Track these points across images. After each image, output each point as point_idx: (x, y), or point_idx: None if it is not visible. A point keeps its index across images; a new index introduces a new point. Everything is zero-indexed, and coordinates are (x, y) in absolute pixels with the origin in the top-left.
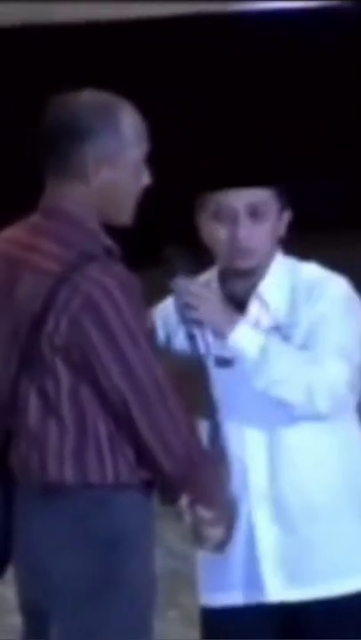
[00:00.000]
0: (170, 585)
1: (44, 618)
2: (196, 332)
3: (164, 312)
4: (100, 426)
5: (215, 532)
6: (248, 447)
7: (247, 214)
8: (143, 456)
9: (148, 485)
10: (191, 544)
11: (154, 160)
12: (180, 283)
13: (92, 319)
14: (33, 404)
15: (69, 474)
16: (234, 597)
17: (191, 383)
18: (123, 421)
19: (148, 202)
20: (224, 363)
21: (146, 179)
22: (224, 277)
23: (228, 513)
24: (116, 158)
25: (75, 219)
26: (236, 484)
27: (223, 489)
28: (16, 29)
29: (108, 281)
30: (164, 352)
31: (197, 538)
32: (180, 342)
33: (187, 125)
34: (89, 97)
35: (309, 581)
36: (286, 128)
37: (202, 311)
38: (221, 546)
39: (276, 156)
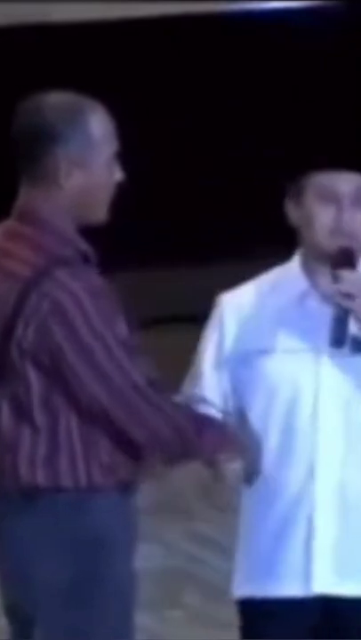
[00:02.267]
0: (172, 584)
1: (28, 620)
2: (348, 320)
3: (238, 301)
4: (73, 430)
5: (231, 467)
6: (321, 438)
7: (352, 199)
8: (139, 449)
9: (125, 486)
10: (194, 543)
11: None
12: (345, 273)
13: (60, 325)
14: (5, 409)
15: (41, 478)
16: (279, 589)
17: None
18: (97, 424)
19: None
20: (358, 348)
21: (118, 175)
22: (309, 267)
23: (245, 451)
24: (88, 160)
25: (49, 223)
26: (301, 475)
27: (231, 440)
28: (13, 29)
29: (77, 286)
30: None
31: (218, 478)
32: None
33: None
34: (56, 99)
35: (357, 576)
36: None
37: (359, 302)
38: (249, 480)
39: None
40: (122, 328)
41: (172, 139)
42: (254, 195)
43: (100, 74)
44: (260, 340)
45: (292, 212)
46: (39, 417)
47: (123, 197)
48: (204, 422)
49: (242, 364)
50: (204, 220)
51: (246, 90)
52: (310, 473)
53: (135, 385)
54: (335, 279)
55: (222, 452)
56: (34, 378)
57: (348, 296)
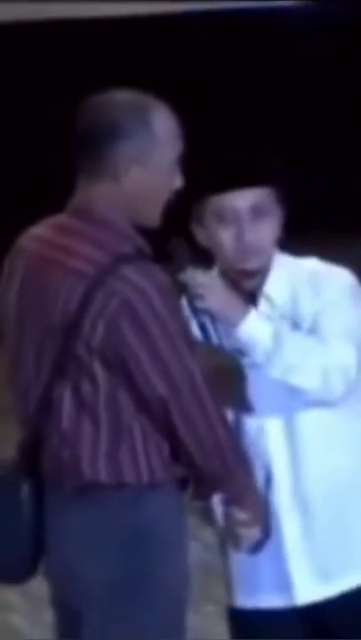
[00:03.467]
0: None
1: (77, 616)
2: (207, 322)
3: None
4: (135, 426)
5: (250, 533)
6: (270, 441)
7: (251, 215)
8: (179, 453)
9: (182, 483)
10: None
11: None
12: (188, 274)
13: (130, 322)
14: (67, 405)
15: (103, 474)
16: (264, 600)
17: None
18: (159, 420)
19: None
20: (240, 352)
21: (178, 181)
22: (225, 279)
23: (262, 514)
24: (148, 158)
25: (107, 220)
26: (260, 480)
27: (257, 490)
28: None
29: (144, 282)
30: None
31: (232, 538)
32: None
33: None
34: (121, 96)
35: (338, 574)
36: (281, 125)
37: (210, 301)
38: (256, 547)
39: (273, 155)
40: (185, 324)
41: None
42: None
43: (99, 73)
44: None
45: (199, 234)
46: (103, 413)
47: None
48: (244, 456)
49: None
50: None
51: (246, 89)
52: (267, 479)
53: (193, 379)
54: (180, 284)
55: (248, 497)
56: (101, 375)
57: (197, 297)
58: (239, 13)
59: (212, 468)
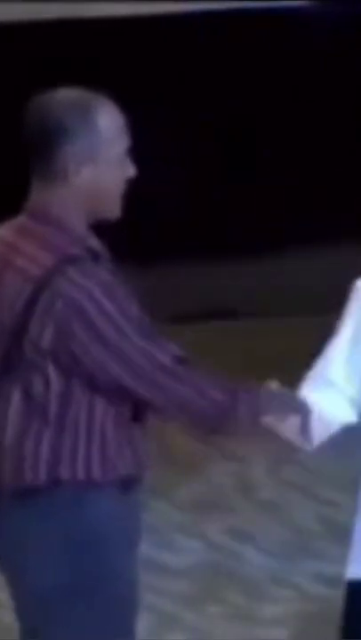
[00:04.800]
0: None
1: (32, 621)
2: None
3: None
4: (81, 425)
5: (289, 429)
6: None
7: None
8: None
9: (126, 483)
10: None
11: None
12: None
13: (80, 323)
14: (15, 402)
15: (43, 474)
16: None
17: None
18: (109, 417)
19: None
20: None
21: (130, 171)
22: None
23: (291, 409)
24: (97, 156)
25: (59, 221)
26: None
27: (274, 397)
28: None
29: (88, 283)
30: None
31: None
32: None
33: None
34: (64, 96)
35: None
36: (281, 125)
37: None
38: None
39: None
40: (137, 315)
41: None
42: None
43: (99, 72)
44: None
45: None
46: (52, 412)
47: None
48: (238, 392)
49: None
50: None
51: (246, 89)
52: None
53: (161, 365)
54: None
55: (260, 419)
56: (54, 375)
57: None
58: (239, 13)
59: (213, 422)
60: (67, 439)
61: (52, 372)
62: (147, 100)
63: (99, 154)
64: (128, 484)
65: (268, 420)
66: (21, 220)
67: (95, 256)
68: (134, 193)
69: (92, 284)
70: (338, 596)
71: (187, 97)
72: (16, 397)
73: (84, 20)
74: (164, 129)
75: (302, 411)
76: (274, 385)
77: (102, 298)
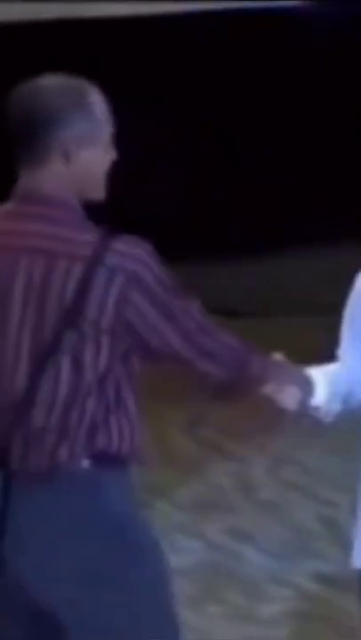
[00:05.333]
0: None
1: (54, 617)
2: None
3: None
4: (112, 397)
5: (288, 398)
6: None
7: None
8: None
9: (130, 460)
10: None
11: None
12: None
13: (137, 290)
14: (64, 378)
15: (80, 446)
16: None
17: None
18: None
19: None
20: None
21: (113, 154)
22: None
23: (295, 380)
24: (93, 138)
25: (63, 201)
26: None
27: (285, 365)
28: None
29: (139, 252)
30: None
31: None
32: None
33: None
34: (57, 81)
35: None
36: (281, 125)
37: None
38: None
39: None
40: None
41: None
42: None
43: (99, 72)
44: None
45: None
46: (95, 381)
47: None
48: (253, 350)
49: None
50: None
51: (246, 88)
52: None
53: (199, 323)
54: None
55: (271, 373)
56: (105, 346)
57: None
58: (239, 13)
59: (235, 376)
60: (102, 412)
61: (104, 343)
62: (147, 99)
63: (95, 137)
64: (129, 462)
65: (269, 387)
66: (11, 206)
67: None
68: (135, 193)
69: (140, 251)
70: (338, 596)
71: (187, 97)
72: (66, 369)
73: (84, 20)
74: (164, 129)
75: (305, 383)
76: (278, 356)
77: (152, 263)
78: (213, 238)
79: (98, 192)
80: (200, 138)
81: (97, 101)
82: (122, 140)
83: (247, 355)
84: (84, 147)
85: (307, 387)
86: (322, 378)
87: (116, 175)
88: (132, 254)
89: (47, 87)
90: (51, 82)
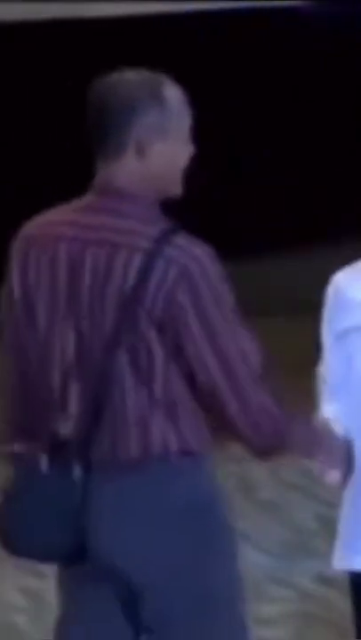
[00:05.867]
0: None
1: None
2: None
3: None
4: (184, 400)
5: (331, 477)
6: None
7: None
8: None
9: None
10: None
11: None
12: None
13: (186, 290)
14: (127, 377)
15: (173, 443)
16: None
17: None
18: (203, 392)
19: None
20: None
21: (191, 149)
22: None
23: (339, 457)
24: (166, 132)
25: (135, 195)
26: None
27: (328, 436)
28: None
29: (197, 250)
30: None
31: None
32: None
33: None
34: (132, 75)
35: None
36: (281, 125)
37: None
38: (341, 486)
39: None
40: (232, 296)
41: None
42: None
43: (99, 72)
44: (350, 319)
45: None
46: (158, 385)
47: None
48: (296, 417)
49: (340, 340)
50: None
51: (246, 88)
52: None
53: (240, 348)
54: None
55: (312, 451)
56: (157, 345)
57: None
58: (240, 13)
59: (266, 443)
60: (180, 412)
61: (155, 342)
62: None
63: (169, 130)
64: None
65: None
66: (89, 199)
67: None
68: None
69: (200, 251)
70: (338, 596)
71: (187, 97)
72: (127, 370)
73: (84, 20)
74: None
75: (347, 456)
76: (322, 421)
77: (210, 267)
78: (213, 238)
79: (173, 189)
80: (200, 138)
81: (172, 95)
82: None
83: (288, 425)
84: (157, 140)
85: (350, 459)
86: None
87: None
88: (191, 251)
89: (121, 80)
90: (125, 75)
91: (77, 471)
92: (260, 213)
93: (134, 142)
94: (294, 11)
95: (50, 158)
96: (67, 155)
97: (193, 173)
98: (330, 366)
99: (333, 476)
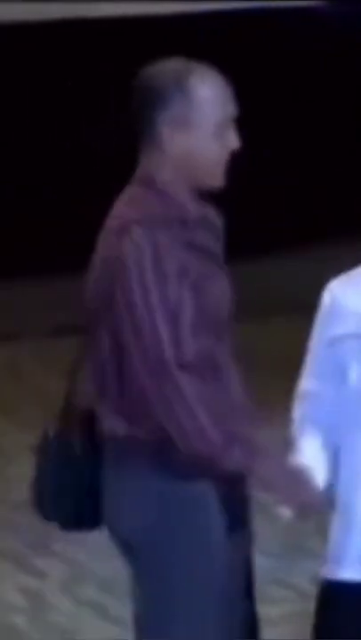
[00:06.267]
0: None
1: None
2: None
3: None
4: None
5: (283, 512)
6: None
7: None
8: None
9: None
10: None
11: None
12: None
13: (117, 275)
14: (109, 355)
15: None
16: (350, 573)
17: None
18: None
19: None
20: None
21: (233, 142)
22: None
23: (296, 496)
24: (189, 122)
25: (160, 186)
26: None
27: (280, 471)
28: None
29: (143, 243)
30: None
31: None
32: None
33: None
34: (164, 65)
35: None
36: (284, 126)
37: None
38: (300, 518)
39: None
40: (176, 296)
41: None
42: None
43: (99, 72)
44: (344, 326)
45: None
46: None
47: None
48: (237, 437)
49: (332, 348)
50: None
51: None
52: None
53: (162, 357)
54: None
55: (251, 475)
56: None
57: None
58: (240, 14)
59: (196, 451)
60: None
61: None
62: None
63: (192, 121)
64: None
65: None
66: (130, 188)
67: (186, 223)
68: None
69: (146, 244)
70: None
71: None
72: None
73: (85, 20)
74: None
75: (300, 482)
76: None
77: (147, 259)
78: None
79: (209, 180)
80: None
81: (199, 85)
82: (121, 139)
83: (225, 447)
84: (180, 131)
85: (304, 484)
86: (319, 454)
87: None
88: (136, 240)
89: (156, 70)
90: (160, 65)
91: (78, 448)
92: (260, 213)
93: (157, 134)
94: (308, 11)
95: (50, 158)
96: (67, 155)
97: None
98: (315, 373)
99: (287, 512)
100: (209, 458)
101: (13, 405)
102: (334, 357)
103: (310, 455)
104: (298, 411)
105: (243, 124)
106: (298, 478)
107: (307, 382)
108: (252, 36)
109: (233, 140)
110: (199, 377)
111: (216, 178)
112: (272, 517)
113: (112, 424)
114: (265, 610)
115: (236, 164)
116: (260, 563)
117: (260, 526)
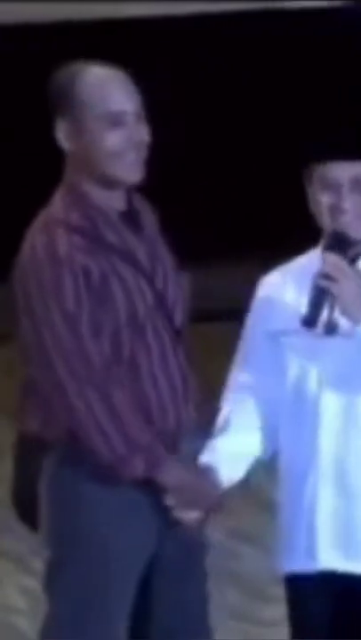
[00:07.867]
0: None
1: None
2: (324, 302)
3: (270, 282)
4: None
5: (188, 516)
6: (324, 416)
7: (351, 185)
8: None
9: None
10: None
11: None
12: (332, 256)
13: (16, 281)
14: None
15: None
16: (294, 564)
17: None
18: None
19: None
20: (332, 331)
21: (138, 135)
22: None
23: (197, 502)
24: (80, 120)
25: (67, 184)
26: (305, 452)
27: (199, 488)
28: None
29: (41, 252)
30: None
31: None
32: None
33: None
34: (62, 69)
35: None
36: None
37: (340, 286)
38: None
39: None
40: (73, 302)
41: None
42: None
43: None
44: (281, 321)
45: (309, 199)
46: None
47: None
48: (140, 444)
49: (266, 343)
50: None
51: (247, 89)
52: (315, 448)
53: (60, 341)
54: (322, 261)
55: (151, 478)
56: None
57: (328, 277)
58: (242, 14)
59: (100, 459)
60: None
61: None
62: (147, 100)
63: (82, 118)
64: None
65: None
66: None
67: (92, 221)
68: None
69: (43, 254)
70: None
71: (188, 97)
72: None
73: (85, 20)
74: (165, 128)
75: (204, 487)
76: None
77: (45, 269)
78: (213, 238)
79: (117, 172)
80: (200, 138)
81: (86, 82)
82: None
83: (128, 455)
84: (74, 131)
85: (205, 490)
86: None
87: None
88: (36, 251)
89: (53, 75)
90: (59, 69)
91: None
92: (260, 213)
93: (60, 135)
94: (336, 11)
95: (51, 158)
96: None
97: (193, 173)
98: (253, 365)
99: (192, 516)
100: (112, 466)
101: (11, 405)
102: (273, 351)
103: (228, 450)
104: (230, 402)
105: (243, 124)
106: (199, 485)
107: (243, 374)
108: (252, 37)
109: (144, 135)
110: (105, 379)
111: (123, 170)
112: (274, 516)
113: (29, 422)
114: (265, 609)
115: (237, 164)
116: (261, 562)
117: (260, 526)
